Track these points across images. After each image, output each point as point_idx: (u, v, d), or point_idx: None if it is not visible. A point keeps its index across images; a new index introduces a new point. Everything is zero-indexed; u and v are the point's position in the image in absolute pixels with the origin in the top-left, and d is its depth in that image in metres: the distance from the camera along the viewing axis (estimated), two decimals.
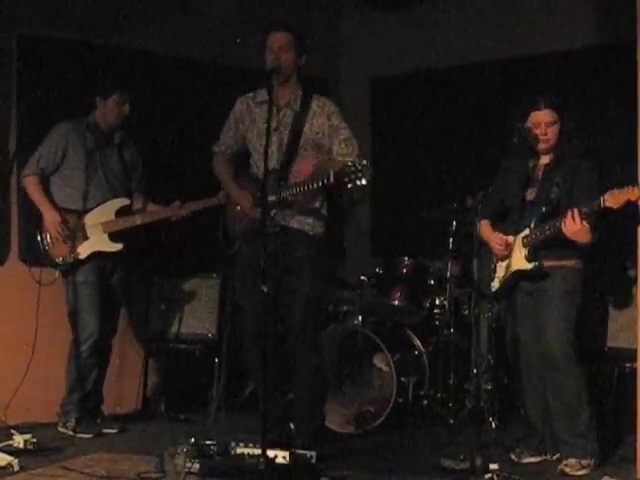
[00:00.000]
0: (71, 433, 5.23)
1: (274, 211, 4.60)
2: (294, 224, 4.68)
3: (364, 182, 4.25)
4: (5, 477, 4.21)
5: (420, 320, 5.96)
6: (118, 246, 5.35)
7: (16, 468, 4.31)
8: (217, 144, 4.93)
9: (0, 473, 4.25)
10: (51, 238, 5.24)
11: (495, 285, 4.69)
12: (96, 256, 5.30)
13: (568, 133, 4.56)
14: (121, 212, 5.40)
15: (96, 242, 5.31)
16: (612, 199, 4.15)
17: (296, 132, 4.66)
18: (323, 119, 4.67)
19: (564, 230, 4.30)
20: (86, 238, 5.30)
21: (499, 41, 6.75)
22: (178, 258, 6.13)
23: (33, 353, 5.35)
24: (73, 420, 5.27)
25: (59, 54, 5.77)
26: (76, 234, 5.28)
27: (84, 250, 5.28)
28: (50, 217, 5.24)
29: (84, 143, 5.35)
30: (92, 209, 5.33)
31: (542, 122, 4.53)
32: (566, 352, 4.45)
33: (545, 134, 4.53)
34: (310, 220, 4.71)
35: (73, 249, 5.26)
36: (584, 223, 4.27)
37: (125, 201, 5.43)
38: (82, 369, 5.30)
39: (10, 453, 4.43)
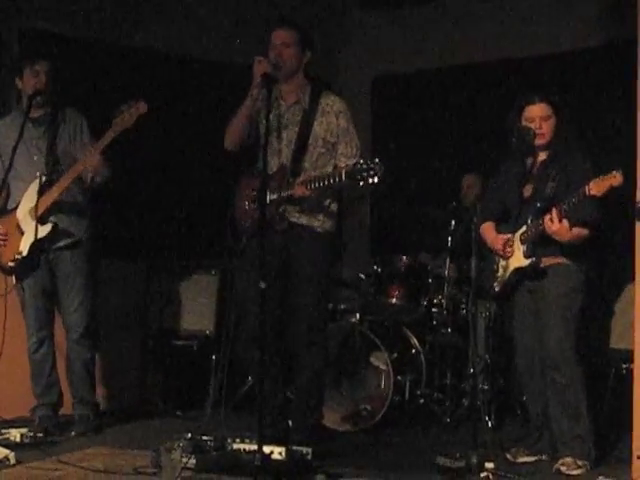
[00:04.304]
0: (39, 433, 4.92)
1: (283, 207, 4.60)
2: (303, 220, 4.67)
3: (376, 180, 4.23)
4: (1, 470, 4.21)
5: (418, 319, 5.97)
6: (47, 228, 5.05)
7: (12, 461, 4.31)
8: None
9: None
10: None
11: (497, 285, 4.68)
12: (38, 247, 5.06)
13: (565, 130, 4.53)
14: (42, 191, 5.02)
15: (31, 233, 5.04)
16: (596, 187, 4.12)
17: (305, 129, 4.65)
18: (332, 118, 4.67)
19: (546, 228, 4.31)
20: (22, 233, 5.08)
21: (500, 41, 6.77)
22: (178, 252, 6.14)
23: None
24: (37, 418, 5.12)
25: (60, 49, 5.75)
26: (15, 234, 5.09)
27: (24, 246, 5.06)
28: None
29: (19, 132, 5.00)
30: (19, 203, 5.11)
31: (537, 116, 4.51)
32: (567, 354, 4.44)
33: (540, 128, 4.50)
34: (320, 216, 4.68)
35: (17, 249, 5.07)
36: (564, 222, 4.26)
37: (39, 179, 5.03)
38: (32, 364, 5.20)
39: (6, 446, 4.43)
